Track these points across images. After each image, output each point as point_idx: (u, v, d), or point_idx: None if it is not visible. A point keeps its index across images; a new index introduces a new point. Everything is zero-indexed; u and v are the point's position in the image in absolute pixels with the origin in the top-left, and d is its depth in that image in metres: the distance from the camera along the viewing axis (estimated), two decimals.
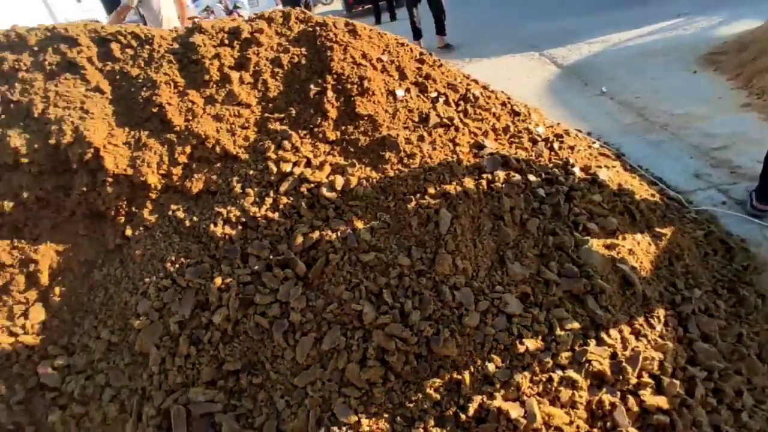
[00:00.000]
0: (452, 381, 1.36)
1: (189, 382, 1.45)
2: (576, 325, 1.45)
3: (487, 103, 1.94)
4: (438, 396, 1.35)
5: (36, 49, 1.71)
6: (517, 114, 1.98)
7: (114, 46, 1.74)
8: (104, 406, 1.45)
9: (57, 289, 1.62)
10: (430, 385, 1.37)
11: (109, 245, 1.67)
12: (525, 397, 1.32)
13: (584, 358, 1.38)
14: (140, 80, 1.71)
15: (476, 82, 2.13)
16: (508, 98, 2.08)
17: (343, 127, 1.80)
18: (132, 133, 1.68)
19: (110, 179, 1.63)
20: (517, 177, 1.68)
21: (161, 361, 1.47)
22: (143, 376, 1.48)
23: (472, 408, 1.31)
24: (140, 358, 1.51)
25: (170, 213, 1.65)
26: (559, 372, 1.36)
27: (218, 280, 1.51)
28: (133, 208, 1.68)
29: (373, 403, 1.38)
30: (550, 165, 1.82)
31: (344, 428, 1.35)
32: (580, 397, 1.32)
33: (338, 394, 1.39)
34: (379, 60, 1.90)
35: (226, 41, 1.83)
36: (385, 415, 1.37)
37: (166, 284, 1.53)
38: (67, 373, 1.50)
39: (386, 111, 1.81)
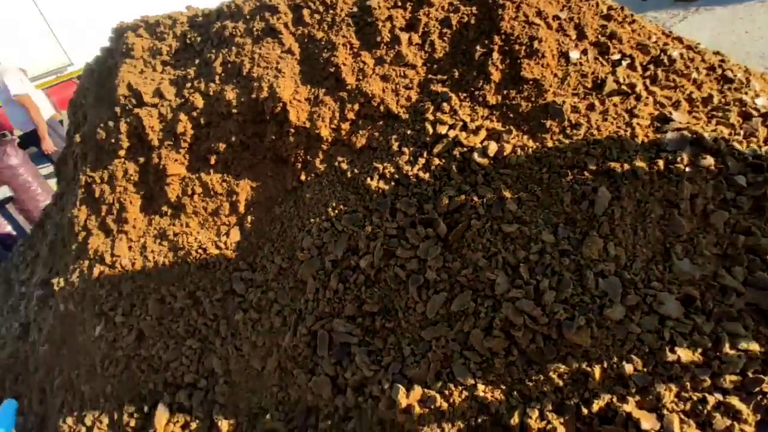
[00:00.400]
0: (579, 371, 1.28)
1: (334, 314, 1.68)
2: (756, 346, 1.20)
3: (687, 68, 1.63)
4: (561, 383, 1.30)
5: (248, 17, 2.05)
6: (729, 81, 1.62)
7: (305, 12, 1.97)
8: (272, 317, 1.78)
9: (249, 218, 2.00)
10: (554, 370, 1.31)
11: (287, 186, 1.97)
12: (665, 411, 1.17)
13: (758, 389, 1.14)
14: (323, 42, 1.92)
15: (680, 40, 1.78)
16: (721, 61, 1.69)
17: (505, 91, 1.73)
18: (312, 90, 1.90)
19: (292, 130, 1.90)
20: (710, 159, 1.40)
21: (315, 291, 1.72)
22: (301, 300, 1.76)
23: (597, 405, 1.22)
24: (300, 284, 1.79)
25: (336, 164, 1.86)
26: (718, 395, 1.16)
27: (368, 229, 1.66)
28: (308, 157, 1.93)
29: (492, 371, 1.39)
30: (765, 147, 1.46)
31: (460, 388, 1.40)
32: (741, 431, 1.12)
33: (460, 355, 1.45)
34: (555, 18, 1.74)
35: (400, 3, 1.90)
36: (502, 386, 1.38)
37: (326, 226, 1.76)
38: (249, 285, 1.87)
39: (555, 75, 1.67)
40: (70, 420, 1.99)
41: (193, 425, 1.81)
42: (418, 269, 1.57)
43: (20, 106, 4.96)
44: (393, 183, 1.72)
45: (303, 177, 1.92)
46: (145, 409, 1.87)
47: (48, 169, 6.07)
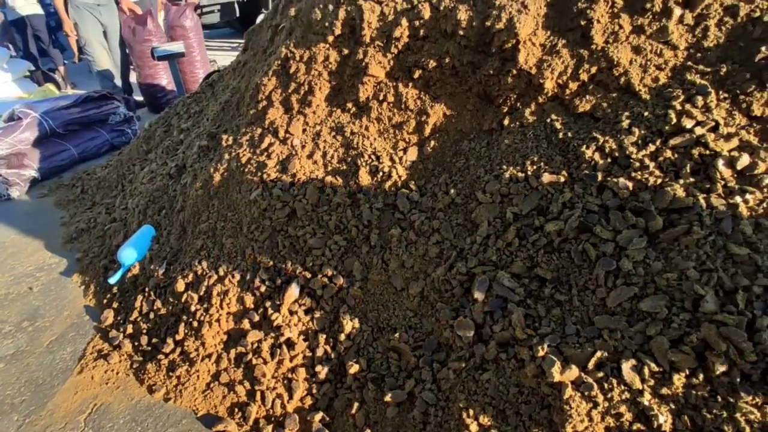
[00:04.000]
0: None
1: (500, 265, 1.64)
2: None
3: None
4: (747, 428, 1.18)
5: None
6: None
7: None
8: (429, 245, 1.78)
9: (432, 143, 1.99)
10: (743, 413, 1.20)
11: (484, 126, 1.92)
12: None
13: None
14: None
15: None
16: None
17: None
18: (552, 38, 1.81)
19: (515, 72, 1.82)
20: None
21: (486, 237, 1.69)
22: (467, 239, 1.73)
23: None
24: (470, 225, 1.76)
25: (548, 120, 1.77)
26: None
27: (567, 195, 1.59)
28: (518, 104, 1.86)
29: (666, 386, 1.30)
30: None
31: (623, 388, 1.33)
32: None
33: (632, 356, 1.36)
34: None
35: None
36: (672, 405, 1.29)
37: (519, 177, 1.70)
38: (414, 207, 1.88)
39: None
40: (205, 263, 2.14)
41: (317, 314, 1.88)
42: (612, 254, 1.48)
43: None
44: (609, 159, 1.62)
45: (506, 122, 1.86)
46: (278, 281, 1.97)
47: None
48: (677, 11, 1.71)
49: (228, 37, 10.46)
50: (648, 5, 1.72)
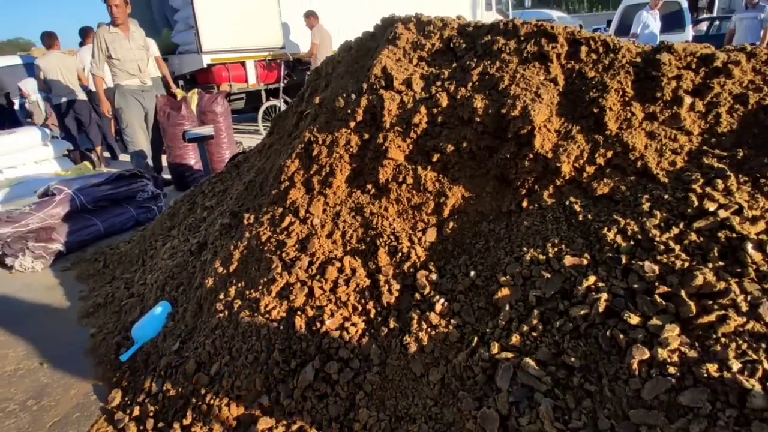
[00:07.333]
0: None
1: (524, 351, 1.56)
2: None
3: None
4: None
5: (522, 38, 2.11)
6: None
7: (583, 48, 1.96)
8: (450, 329, 1.72)
9: (451, 224, 2.00)
10: None
11: (503, 208, 1.94)
12: None
13: None
14: (593, 82, 1.89)
15: None
16: None
17: None
18: (566, 124, 1.87)
19: (531, 156, 1.87)
20: None
21: (509, 321, 1.63)
22: (488, 323, 1.68)
23: None
24: (492, 308, 1.71)
25: (567, 203, 1.78)
26: None
27: (591, 279, 1.55)
28: (536, 187, 1.88)
29: None
30: None
31: None
32: None
33: None
34: None
35: (693, 65, 1.81)
36: None
37: (540, 260, 1.68)
38: (433, 289, 1.84)
39: None
40: (218, 343, 2.10)
41: (332, 400, 1.79)
42: (643, 342, 1.41)
43: None
44: (632, 242, 1.60)
45: (525, 204, 1.87)
46: (292, 364, 1.91)
47: None
48: (687, 99, 1.77)
49: (254, 121, 11.09)
50: (658, 94, 1.79)
